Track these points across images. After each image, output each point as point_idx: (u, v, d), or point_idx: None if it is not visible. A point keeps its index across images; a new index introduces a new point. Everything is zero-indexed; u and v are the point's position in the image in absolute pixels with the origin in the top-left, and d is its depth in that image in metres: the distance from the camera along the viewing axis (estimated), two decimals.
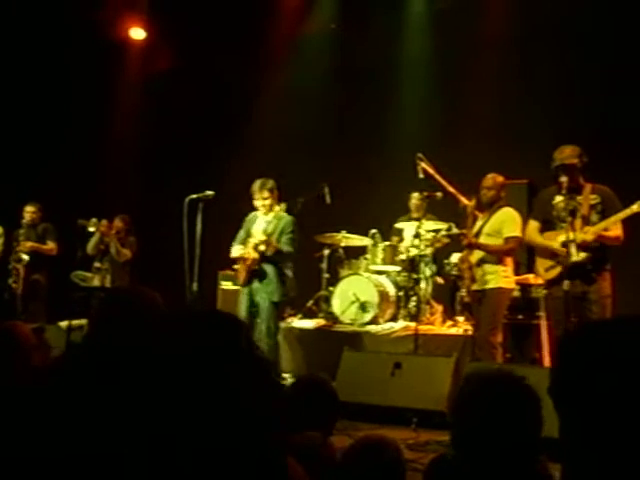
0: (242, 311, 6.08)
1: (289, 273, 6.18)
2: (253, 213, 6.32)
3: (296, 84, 9.39)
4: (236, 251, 6.20)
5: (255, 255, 6.04)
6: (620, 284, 5.26)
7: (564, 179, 5.02)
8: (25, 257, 7.84)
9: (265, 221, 6.22)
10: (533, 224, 5.37)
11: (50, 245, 8.03)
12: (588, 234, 4.94)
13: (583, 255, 4.94)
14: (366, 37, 9.00)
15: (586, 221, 5.04)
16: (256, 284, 6.10)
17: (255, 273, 6.09)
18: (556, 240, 5.07)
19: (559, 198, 5.08)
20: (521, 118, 7.82)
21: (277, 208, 6.25)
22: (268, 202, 6.11)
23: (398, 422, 4.84)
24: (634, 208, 4.85)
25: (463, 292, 6.04)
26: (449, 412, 1.83)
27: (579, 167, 5.08)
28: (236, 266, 6.35)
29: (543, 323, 6.38)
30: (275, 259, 6.06)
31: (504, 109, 8.03)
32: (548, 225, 5.25)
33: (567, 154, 5.08)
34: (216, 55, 9.35)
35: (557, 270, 5.07)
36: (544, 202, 5.32)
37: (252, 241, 6.09)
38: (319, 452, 2.35)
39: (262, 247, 6.00)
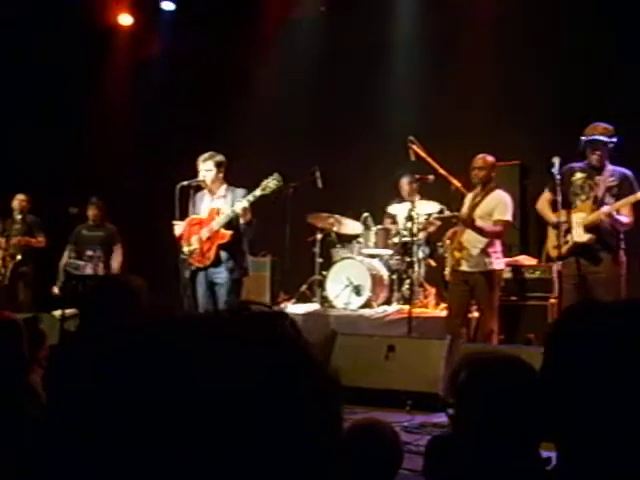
0: (202, 289, 5.72)
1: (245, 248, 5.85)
2: (200, 193, 5.89)
3: (286, 68, 9.34)
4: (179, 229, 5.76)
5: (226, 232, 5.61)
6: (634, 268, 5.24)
7: (595, 157, 4.99)
8: (19, 257, 7.87)
9: (215, 198, 5.78)
10: (546, 195, 5.35)
11: (39, 238, 8.04)
12: (600, 214, 4.90)
13: (587, 237, 4.93)
14: (356, 20, 8.95)
15: (599, 203, 5.01)
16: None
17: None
18: (569, 218, 5.06)
19: (579, 175, 5.06)
20: (513, 100, 7.80)
21: (224, 186, 5.80)
22: (210, 174, 5.66)
23: (392, 405, 4.86)
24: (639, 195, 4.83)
25: (447, 271, 6.03)
26: (447, 393, 1.83)
27: (609, 146, 5.04)
28: (193, 247, 5.71)
29: (553, 302, 6.32)
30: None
31: (496, 91, 8.01)
32: (565, 201, 5.20)
33: (601, 130, 5.05)
34: (205, 40, 9.28)
35: (564, 249, 5.06)
36: (565, 177, 5.25)
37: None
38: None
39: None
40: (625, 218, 4.98)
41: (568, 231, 5.04)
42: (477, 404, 1.71)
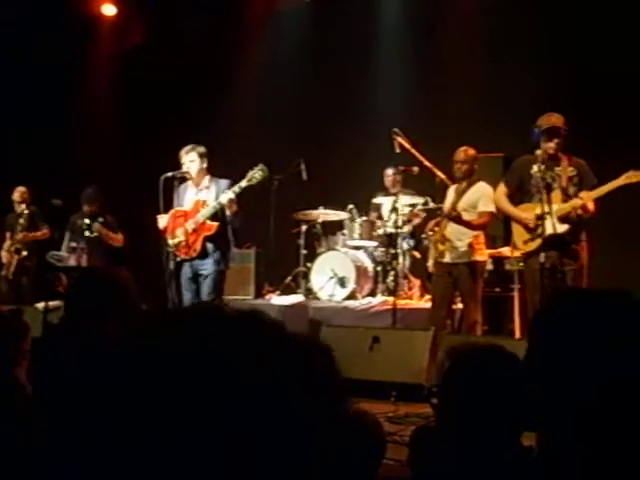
0: (186, 281, 5.69)
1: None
2: (183, 185, 5.84)
3: (271, 59, 9.31)
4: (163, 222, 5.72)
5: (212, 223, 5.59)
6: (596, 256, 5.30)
7: (552, 145, 5.00)
8: (25, 253, 7.82)
9: (199, 190, 5.75)
10: (502, 189, 5.36)
11: (44, 230, 7.95)
12: (585, 199, 4.90)
13: (564, 227, 4.96)
14: (341, 12, 8.93)
15: (565, 193, 5.05)
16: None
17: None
18: (533, 212, 5.08)
19: (536, 168, 5.06)
20: (497, 92, 7.82)
21: (208, 177, 5.76)
22: (195, 165, 5.63)
23: (377, 396, 4.88)
24: (621, 181, 4.83)
25: (430, 263, 6.05)
26: (431, 384, 1.85)
27: (564, 135, 5.07)
28: (178, 239, 5.66)
29: (516, 295, 6.45)
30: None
31: (479, 83, 8.03)
32: (525, 195, 5.24)
33: (555, 119, 5.08)
34: (190, 31, 9.23)
35: (536, 243, 5.07)
36: (520, 170, 5.29)
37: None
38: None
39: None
40: (591, 206, 5.02)
41: (537, 225, 5.03)
42: (460, 394, 1.73)
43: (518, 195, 5.31)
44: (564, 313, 1.23)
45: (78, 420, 1.61)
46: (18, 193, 7.93)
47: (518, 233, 5.27)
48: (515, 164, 5.52)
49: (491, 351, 1.80)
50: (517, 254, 6.37)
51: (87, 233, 7.32)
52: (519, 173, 5.30)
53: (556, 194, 5.01)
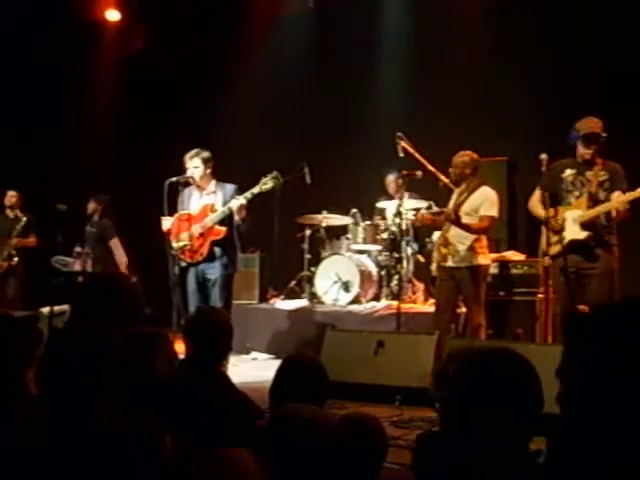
0: (192, 285, 5.66)
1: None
2: (188, 189, 5.81)
3: (274, 64, 9.33)
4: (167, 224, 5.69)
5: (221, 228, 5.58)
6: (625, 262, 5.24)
7: (589, 151, 4.95)
8: (16, 259, 7.85)
9: (204, 194, 5.72)
10: (537, 194, 5.32)
11: (31, 238, 8.03)
12: (619, 202, 4.85)
13: (584, 234, 4.93)
14: (344, 17, 8.95)
15: (593, 199, 5.00)
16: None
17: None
18: (561, 216, 5.06)
19: (569, 172, 5.03)
20: (501, 96, 7.83)
21: (214, 182, 5.74)
22: (198, 171, 5.62)
23: (382, 400, 4.87)
24: None
25: (433, 266, 6.04)
26: (434, 388, 1.83)
27: (602, 141, 5.02)
28: (182, 243, 5.63)
29: (541, 297, 6.28)
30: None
31: (484, 87, 8.03)
32: (556, 199, 5.19)
33: (594, 123, 5.01)
34: (194, 36, 9.25)
35: (559, 246, 5.03)
36: (554, 175, 5.21)
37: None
38: (317, 420, 2.36)
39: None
40: (622, 209, 4.95)
41: (562, 229, 5.02)
42: (465, 397, 1.71)
43: (554, 200, 5.24)
44: (596, 327, 1.19)
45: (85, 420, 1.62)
46: (7, 197, 7.96)
47: (546, 234, 5.22)
48: (551, 167, 5.40)
49: (496, 353, 1.78)
50: (520, 257, 6.37)
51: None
52: (552, 177, 5.23)
53: (580, 200, 4.99)
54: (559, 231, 5.06)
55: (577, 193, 5.00)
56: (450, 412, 1.75)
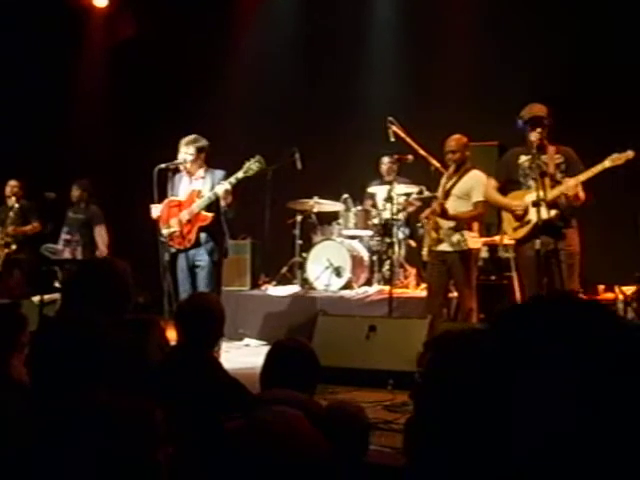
0: (182, 272, 5.66)
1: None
2: (178, 175, 5.79)
3: (264, 49, 9.28)
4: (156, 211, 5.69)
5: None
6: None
7: (535, 134, 5.04)
8: (14, 247, 7.80)
9: (193, 180, 5.71)
10: (491, 183, 5.40)
11: (34, 224, 7.93)
12: (569, 185, 4.93)
13: (554, 212, 4.98)
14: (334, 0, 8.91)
15: (553, 179, 5.08)
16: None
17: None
18: (523, 199, 5.10)
19: (524, 157, 5.13)
20: (492, 80, 7.82)
21: (203, 168, 5.71)
22: (190, 157, 5.59)
23: (374, 384, 4.89)
24: (606, 164, 4.87)
25: (424, 251, 6.04)
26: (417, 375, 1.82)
27: (547, 124, 5.12)
28: (172, 229, 5.62)
29: (515, 284, 6.44)
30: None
31: (474, 71, 8.02)
32: (514, 185, 5.27)
33: (537, 109, 5.13)
34: (181, 21, 9.19)
35: (525, 229, 5.10)
36: (508, 163, 5.34)
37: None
38: (307, 407, 2.38)
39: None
40: (582, 194, 5.02)
41: (526, 212, 5.08)
42: (443, 380, 1.69)
43: (508, 186, 5.33)
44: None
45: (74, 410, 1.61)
46: (9, 187, 7.91)
47: (508, 221, 5.29)
48: (503, 158, 5.60)
49: (469, 334, 1.75)
50: (507, 241, 6.40)
51: None
52: (506, 165, 5.37)
53: (545, 181, 5.03)
54: (522, 216, 5.11)
55: (535, 176, 5.02)
56: (429, 398, 1.71)
